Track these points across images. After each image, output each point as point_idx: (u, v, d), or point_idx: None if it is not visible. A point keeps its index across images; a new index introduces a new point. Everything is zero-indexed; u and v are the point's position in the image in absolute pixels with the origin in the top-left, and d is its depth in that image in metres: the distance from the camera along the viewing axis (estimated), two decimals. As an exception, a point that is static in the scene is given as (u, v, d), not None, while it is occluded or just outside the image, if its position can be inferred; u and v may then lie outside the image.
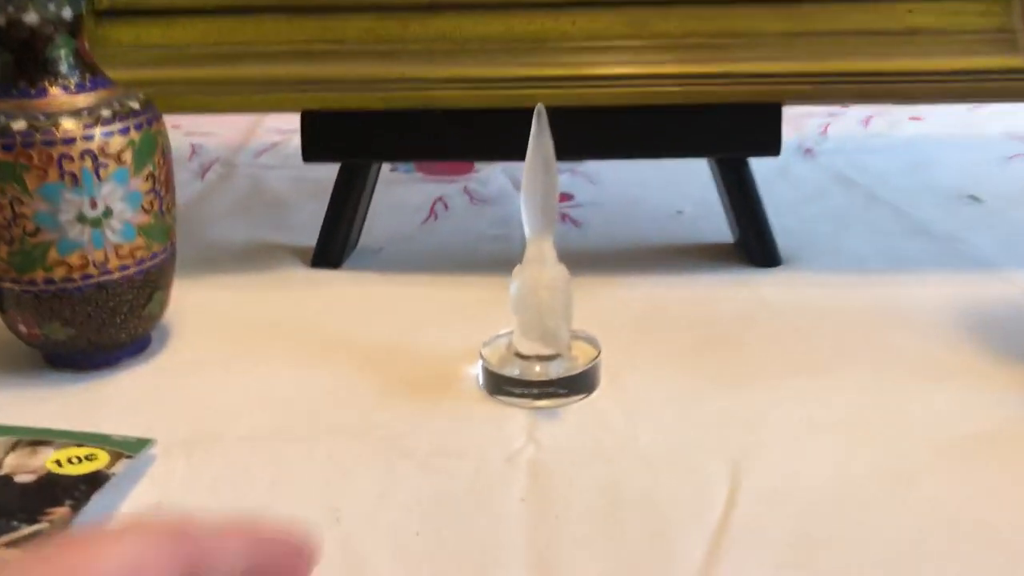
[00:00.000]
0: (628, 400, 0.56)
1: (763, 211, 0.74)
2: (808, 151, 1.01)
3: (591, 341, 0.59)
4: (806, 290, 0.71)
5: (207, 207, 0.90)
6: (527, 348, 0.57)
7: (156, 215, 0.59)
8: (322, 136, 0.70)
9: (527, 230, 0.55)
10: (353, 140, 0.70)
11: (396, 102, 0.68)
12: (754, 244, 0.74)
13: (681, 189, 0.91)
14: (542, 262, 0.55)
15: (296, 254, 0.78)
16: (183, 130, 1.12)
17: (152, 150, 0.57)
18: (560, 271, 0.55)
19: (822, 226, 0.82)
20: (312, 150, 0.70)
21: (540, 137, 0.53)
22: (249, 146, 1.05)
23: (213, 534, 0.24)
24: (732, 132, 0.70)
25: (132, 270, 0.58)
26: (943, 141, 1.05)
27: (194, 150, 1.05)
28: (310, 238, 0.77)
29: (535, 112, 0.53)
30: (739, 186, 0.73)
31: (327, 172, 0.76)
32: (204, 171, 0.99)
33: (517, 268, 0.55)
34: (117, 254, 0.57)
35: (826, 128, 1.08)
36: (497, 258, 0.76)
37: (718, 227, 0.80)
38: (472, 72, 0.67)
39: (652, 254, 0.77)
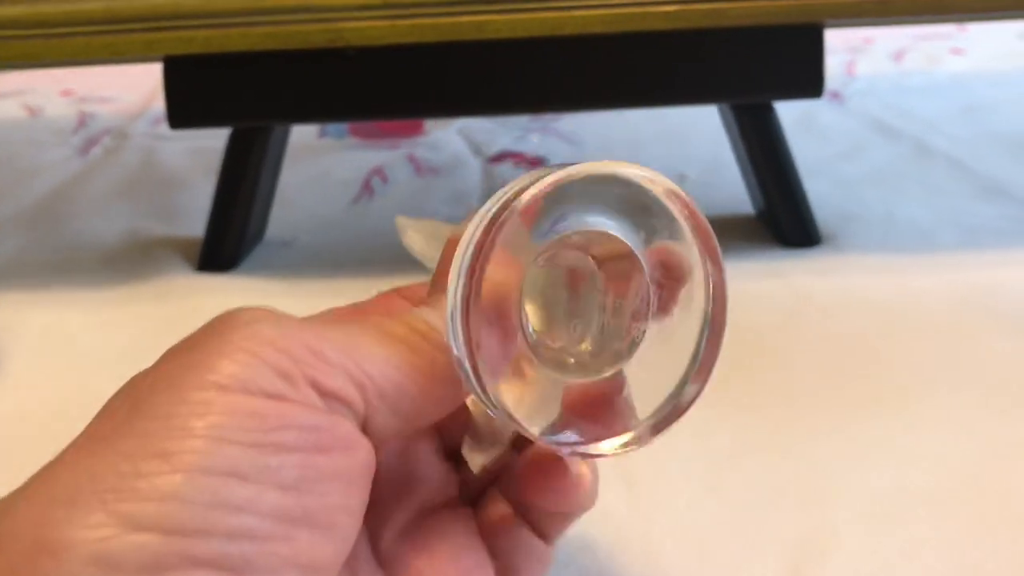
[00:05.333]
0: (632, 464, 0.38)
1: (796, 174, 0.56)
2: (834, 94, 0.82)
3: None
4: (858, 278, 0.53)
5: (81, 192, 0.71)
6: None
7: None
8: (194, 91, 0.51)
9: None
10: (236, 96, 0.51)
11: (292, 40, 0.49)
12: (784, 217, 0.56)
13: (683, 147, 0.73)
14: None
15: (183, 252, 0.59)
16: (76, 96, 0.93)
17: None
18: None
19: (866, 189, 0.64)
20: (181, 112, 0.51)
21: None
22: (148, 112, 0.86)
23: None
24: (756, 67, 0.51)
25: None
26: (993, 77, 0.87)
27: (83, 120, 0.86)
28: (204, 228, 0.58)
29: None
30: (764, 142, 0.55)
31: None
32: (89, 146, 0.80)
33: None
34: None
35: (851, 66, 0.90)
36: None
37: (733, 195, 0.62)
38: (393, -5, 0.48)
39: (650, 234, 0.59)
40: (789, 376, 0.44)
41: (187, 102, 0.51)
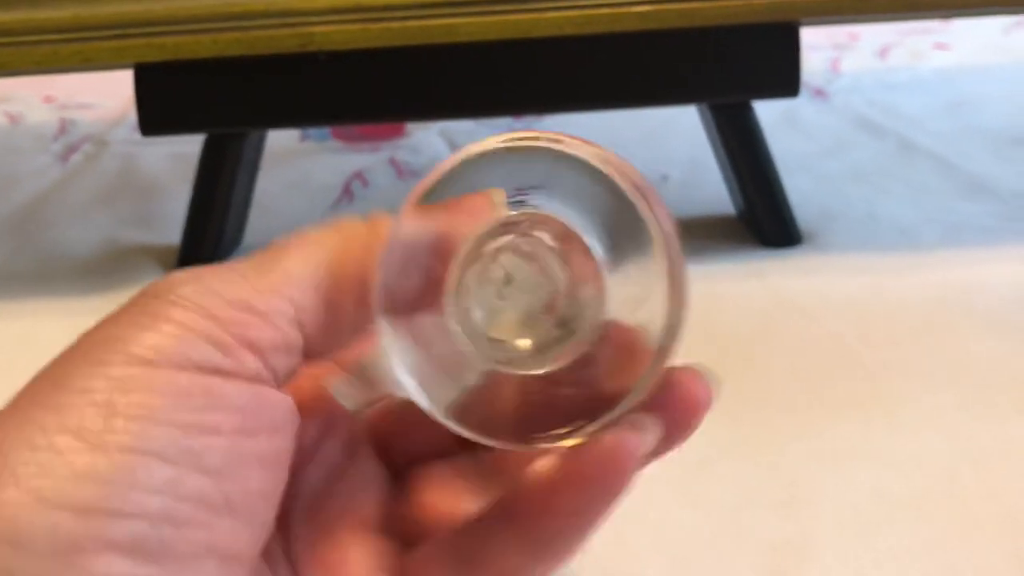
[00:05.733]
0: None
1: (775, 173, 0.55)
2: (818, 91, 0.82)
3: None
4: (838, 278, 0.52)
5: (60, 201, 0.70)
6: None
7: None
8: (165, 98, 0.51)
9: None
10: (208, 102, 0.51)
11: (262, 44, 0.48)
12: (764, 217, 0.56)
13: (664, 148, 0.72)
14: None
15: (160, 260, 0.59)
16: (57, 103, 0.92)
17: None
18: None
19: (849, 187, 0.64)
20: (152, 119, 0.51)
21: None
22: (128, 118, 0.85)
23: None
24: (731, 67, 0.50)
25: None
26: (978, 72, 0.86)
27: (63, 127, 0.85)
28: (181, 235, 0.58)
29: None
30: (742, 141, 0.55)
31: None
32: (69, 153, 0.79)
33: None
34: None
35: (836, 62, 0.89)
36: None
37: (714, 195, 0.62)
38: (364, -2, 0.47)
39: (630, 236, 0.58)
40: (767, 379, 0.43)
41: (159, 109, 0.51)
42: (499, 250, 0.23)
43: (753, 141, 0.54)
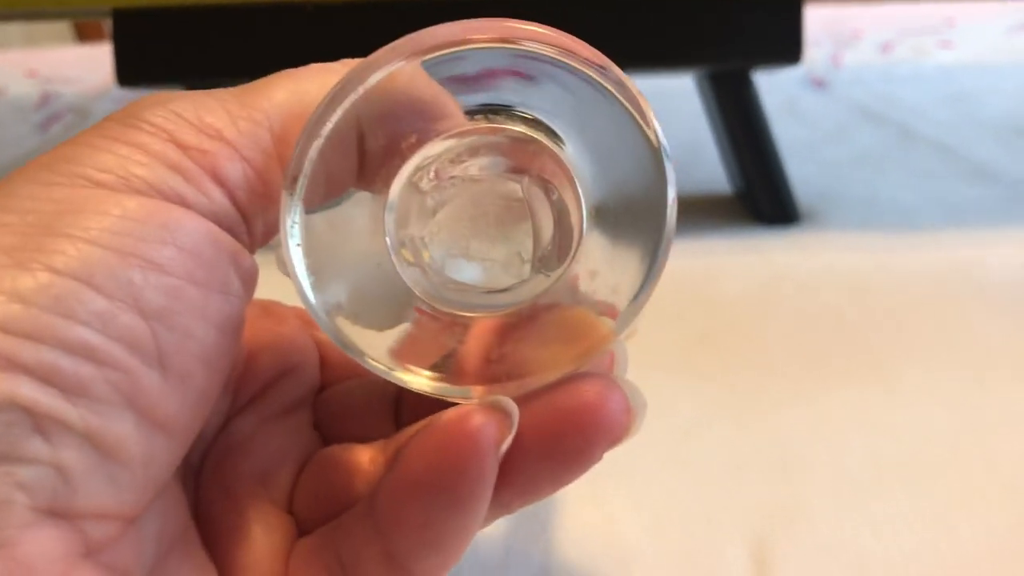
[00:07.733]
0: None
1: (774, 149, 0.54)
2: (818, 82, 0.80)
3: None
4: (837, 255, 0.50)
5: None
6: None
7: None
8: (143, 47, 0.49)
9: None
10: (188, 52, 0.49)
11: (245, -5, 0.46)
12: (763, 194, 0.54)
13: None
14: None
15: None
16: (40, 77, 0.90)
17: None
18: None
19: (849, 171, 0.62)
20: (129, 69, 0.49)
21: None
22: (112, 92, 0.84)
23: None
24: (735, 33, 0.49)
25: None
26: (981, 68, 0.85)
27: (45, 99, 0.83)
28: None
29: None
30: (740, 114, 0.53)
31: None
32: (50, 122, 0.77)
33: None
34: None
35: (837, 57, 0.88)
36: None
37: (711, 173, 0.60)
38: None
39: (623, 212, 0.57)
40: (762, 347, 0.41)
41: (136, 58, 0.49)
42: (469, 168, 0.20)
43: (752, 113, 0.52)
